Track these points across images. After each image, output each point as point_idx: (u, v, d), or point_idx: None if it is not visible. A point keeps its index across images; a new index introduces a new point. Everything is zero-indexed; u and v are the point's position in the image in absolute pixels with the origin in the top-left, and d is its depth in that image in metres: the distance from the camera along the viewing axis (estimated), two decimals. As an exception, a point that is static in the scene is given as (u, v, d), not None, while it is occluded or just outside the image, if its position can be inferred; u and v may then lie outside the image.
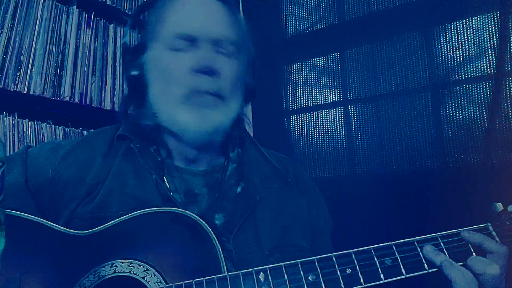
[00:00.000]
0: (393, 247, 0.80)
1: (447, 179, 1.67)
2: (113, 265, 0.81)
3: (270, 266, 0.78)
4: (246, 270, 0.78)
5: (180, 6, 0.95)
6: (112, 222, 0.85)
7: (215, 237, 0.81)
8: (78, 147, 0.98)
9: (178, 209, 0.85)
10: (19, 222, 0.83)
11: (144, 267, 0.81)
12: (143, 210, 0.85)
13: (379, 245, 0.81)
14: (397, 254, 0.79)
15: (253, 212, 0.96)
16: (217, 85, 0.91)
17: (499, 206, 0.85)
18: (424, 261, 0.79)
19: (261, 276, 0.77)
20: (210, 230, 0.82)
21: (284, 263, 0.78)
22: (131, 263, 0.81)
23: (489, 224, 0.85)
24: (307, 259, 0.79)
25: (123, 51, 0.98)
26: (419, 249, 0.80)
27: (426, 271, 0.79)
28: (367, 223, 1.79)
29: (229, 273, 0.77)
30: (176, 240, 0.83)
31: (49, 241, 0.83)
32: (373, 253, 0.79)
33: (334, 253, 0.80)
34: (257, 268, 0.78)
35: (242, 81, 1.00)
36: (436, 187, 1.66)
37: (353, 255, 0.79)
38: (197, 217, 0.83)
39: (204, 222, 0.83)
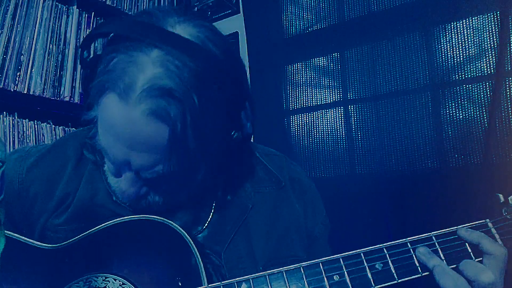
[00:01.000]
0: (384, 250, 0.76)
1: (447, 179, 1.67)
2: (87, 280, 0.76)
3: (253, 275, 0.74)
4: (228, 281, 0.73)
5: (105, 115, 0.72)
6: (86, 232, 0.79)
7: (194, 246, 0.76)
8: (46, 155, 0.90)
9: (156, 217, 0.79)
10: None
11: (120, 281, 0.76)
12: (119, 219, 0.79)
13: (369, 248, 0.76)
14: (388, 258, 0.75)
15: (245, 222, 0.88)
16: (147, 200, 0.80)
17: (501, 197, 0.81)
18: (417, 264, 0.75)
19: (243, 286, 0.73)
20: (190, 239, 0.76)
21: (268, 271, 0.74)
22: (106, 278, 0.76)
23: (488, 220, 0.80)
24: (293, 266, 0.75)
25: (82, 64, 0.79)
26: (412, 250, 0.76)
27: (419, 275, 0.75)
28: (367, 223, 1.79)
29: (210, 285, 0.73)
30: (154, 251, 0.78)
31: (23, 256, 0.79)
32: (363, 257, 0.75)
33: (320, 259, 0.75)
34: (239, 278, 0.74)
35: (182, 183, 0.81)
36: (436, 187, 1.66)
37: (341, 261, 0.75)
38: (176, 225, 0.78)
39: (183, 231, 0.77)
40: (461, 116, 1.70)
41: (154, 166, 0.72)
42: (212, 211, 0.89)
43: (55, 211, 0.85)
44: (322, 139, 2.06)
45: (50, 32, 1.75)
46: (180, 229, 0.77)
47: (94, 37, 0.77)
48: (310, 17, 2.16)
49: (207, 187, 0.85)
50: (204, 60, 0.69)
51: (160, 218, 0.79)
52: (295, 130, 2.15)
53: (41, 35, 1.71)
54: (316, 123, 2.09)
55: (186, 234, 0.77)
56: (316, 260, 0.75)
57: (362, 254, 0.76)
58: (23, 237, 0.81)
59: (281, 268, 0.74)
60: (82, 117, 0.78)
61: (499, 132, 1.60)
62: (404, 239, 0.78)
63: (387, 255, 0.75)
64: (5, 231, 0.77)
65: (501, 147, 1.59)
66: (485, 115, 1.64)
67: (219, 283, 0.73)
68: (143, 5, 2.21)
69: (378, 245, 0.77)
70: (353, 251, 0.76)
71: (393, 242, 0.77)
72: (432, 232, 0.79)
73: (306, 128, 2.11)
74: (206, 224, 0.88)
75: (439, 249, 0.77)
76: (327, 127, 2.05)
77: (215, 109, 0.72)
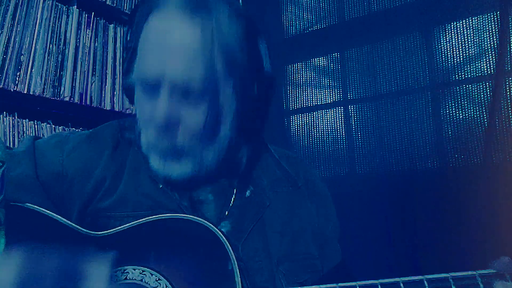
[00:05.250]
0: (425, 282, 0.71)
1: (447, 179, 1.67)
2: (125, 271, 0.77)
3: None
4: None
5: (149, 34, 0.82)
6: (127, 225, 0.81)
7: (232, 252, 0.76)
8: (85, 141, 0.95)
9: (199, 219, 0.80)
10: (35, 216, 0.80)
11: (156, 276, 0.77)
12: (159, 216, 0.80)
13: (409, 277, 0.72)
14: None
15: (262, 218, 0.91)
16: (176, 141, 0.83)
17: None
18: None
19: None
20: (229, 246, 0.77)
21: (307, 287, 0.72)
22: (143, 271, 0.77)
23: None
24: (330, 285, 0.71)
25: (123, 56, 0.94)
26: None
27: None
28: (367, 223, 1.79)
29: None
30: (191, 251, 0.78)
31: (62, 239, 0.80)
32: (402, 285, 0.71)
33: (358, 282, 0.72)
34: None
35: (226, 115, 0.86)
36: (436, 187, 1.66)
37: (378, 286, 0.70)
38: (217, 229, 0.79)
39: (223, 237, 0.78)
40: (461, 116, 1.70)
41: (187, 73, 0.78)
42: (234, 193, 0.93)
43: (93, 195, 0.89)
44: (322, 139, 2.06)
45: (50, 32, 1.74)
46: (219, 232, 0.79)
47: None
48: (310, 17, 2.16)
49: (233, 151, 0.90)
50: None
51: (200, 219, 0.80)
52: (295, 130, 2.15)
53: (41, 35, 1.71)
54: (316, 123, 2.09)
55: (226, 241, 0.78)
56: (353, 282, 0.72)
57: (401, 282, 0.72)
58: (64, 219, 0.81)
59: (318, 286, 0.72)
60: (123, 85, 0.89)
61: (499, 132, 1.60)
62: (446, 274, 0.73)
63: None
64: (48, 212, 0.80)
65: (501, 147, 1.59)
66: (485, 115, 1.64)
67: None
68: (143, 5, 2.21)
69: (419, 276, 0.73)
70: (392, 279, 0.73)
71: (434, 275, 0.73)
72: (477, 271, 0.73)
73: (306, 128, 2.11)
74: (229, 208, 0.91)
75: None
76: (327, 127, 2.05)
77: (238, 33, 0.82)
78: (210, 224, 0.79)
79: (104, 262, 0.71)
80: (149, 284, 0.77)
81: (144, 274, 0.77)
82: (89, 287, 0.67)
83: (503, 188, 1.46)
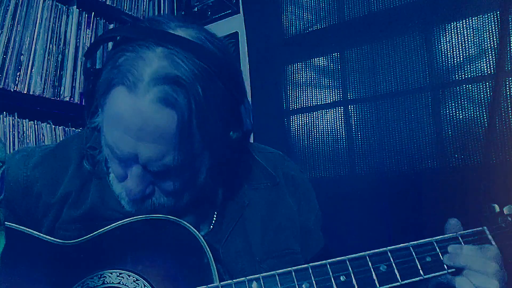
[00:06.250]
0: (388, 253, 0.78)
1: (447, 179, 1.67)
2: (102, 276, 0.78)
3: (263, 274, 0.76)
4: (239, 279, 0.75)
5: (113, 110, 0.74)
6: (100, 230, 0.81)
7: (206, 245, 0.78)
8: (50, 155, 0.93)
9: (170, 216, 0.81)
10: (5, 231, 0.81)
11: (133, 277, 0.78)
12: (133, 218, 0.81)
13: (373, 250, 0.79)
14: (392, 260, 0.77)
15: (242, 218, 0.92)
16: (147, 204, 0.81)
17: (496, 207, 0.83)
18: (419, 267, 0.77)
19: (254, 285, 0.75)
20: (201, 237, 0.79)
21: (278, 271, 0.76)
22: (120, 274, 0.78)
23: (485, 228, 0.82)
24: (302, 266, 0.77)
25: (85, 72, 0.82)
26: (414, 253, 0.78)
27: (421, 277, 0.77)
28: (367, 223, 1.79)
29: (221, 283, 0.75)
30: (166, 249, 0.80)
31: (36, 251, 0.81)
32: (368, 259, 0.77)
33: (328, 260, 0.77)
34: (250, 277, 0.76)
35: (189, 183, 0.82)
36: (436, 187, 1.66)
37: (347, 262, 0.77)
38: (188, 224, 0.80)
39: (194, 230, 0.79)
40: (461, 116, 1.70)
41: (162, 158, 0.73)
42: (215, 214, 0.92)
43: (60, 208, 0.88)
44: (322, 139, 2.06)
45: (50, 32, 1.75)
46: (193, 228, 0.79)
47: (100, 42, 0.81)
48: (310, 17, 2.16)
49: (209, 189, 0.87)
50: (206, 56, 0.73)
51: (174, 218, 0.80)
52: (295, 130, 2.15)
53: (41, 35, 1.71)
54: (316, 123, 2.09)
55: (199, 234, 0.79)
56: (324, 261, 0.77)
57: (367, 256, 0.78)
58: (37, 232, 0.82)
59: (290, 268, 0.76)
60: (86, 125, 0.81)
61: (499, 132, 1.60)
62: (406, 244, 0.80)
63: (391, 257, 0.78)
64: (17, 226, 0.80)
65: (501, 147, 1.59)
66: (485, 115, 1.64)
67: (231, 281, 0.75)
68: (143, 5, 2.21)
69: (382, 248, 0.79)
70: (359, 254, 0.78)
71: (396, 246, 0.79)
72: (433, 238, 0.81)
73: (306, 128, 2.11)
74: (211, 226, 0.91)
75: (439, 253, 0.79)
76: (327, 127, 2.05)
77: (218, 101, 0.75)
78: (181, 220, 0.80)
79: (81, 269, 0.72)
80: (127, 286, 0.77)
81: (122, 277, 0.78)
82: None
83: (502, 188, 1.46)
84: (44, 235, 0.83)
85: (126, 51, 0.72)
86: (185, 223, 0.80)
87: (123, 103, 0.71)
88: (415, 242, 0.80)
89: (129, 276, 0.78)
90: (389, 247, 0.79)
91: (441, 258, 0.79)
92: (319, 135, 2.07)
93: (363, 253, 0.78)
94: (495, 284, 0.75)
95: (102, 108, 0.76)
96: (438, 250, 0.79)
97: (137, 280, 0.77)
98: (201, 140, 0.75)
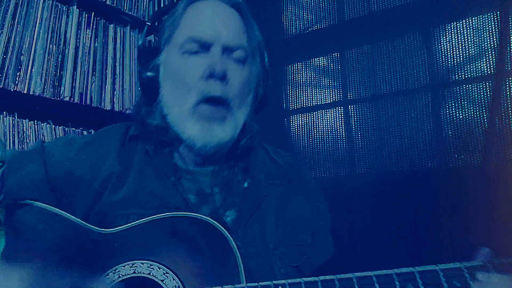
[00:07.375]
0: (416, 273, 0.77)
1: (447, 179, 1.67)
2: (134, 265, 0.82)
3: (289, 280, 0.76)
4: (266, 283, 0.76)
5: (195, 12, 1.00)
6: (135, 222, 0.86)
7: (236, 248, 0.81)
8: (91, 142, 1.01)
9: (205, 217, 0.85)
10: (44, 214, 0.84)
11: (163, 270, 0.81)
12: (165, 214, 0.85)
13: (400, 269, 0.77)
14: (419, 280, 0.76)
15: (259, 207, 0.98)
16: (227, 92, 0.95)
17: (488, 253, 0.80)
18: None
19: None
20: (233, 240, 0.82)
21: (304, 278, 0.77)
22: (151, 265, 0.81)
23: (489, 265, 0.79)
24: (328, 277, 0.77)
25: (138, 53, 1.02)
26: (442, 277, 0.77)
27: None
28: (367, 223, 1.79)
29: (248, 284, 0.77)
30: (197, 246, 0.83)
31: (72, 235, 0.85)
32: (395, 276, 0.76)
33: (354, 274, 0.77)
34: (276, 282, 0.77)
35: (251, 90, 1.05)
36: (436, 187, 1.66)
37: (373, 277, 0.76)
38: (220, 225, 0.84)
39: (226, 232, 0.83)
40: (461, 116, 1.70)
41: (238, 35, 0.98)
42: (239, 201, 1.00)
43: (100, 194, 0.93)
44: (322, 139, 2.06)
45: (50, 32, 1.74)
46: (223, 228, 0.83)
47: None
48: (310, 17, 2.16)
49: (233, 150, 1.00)
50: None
51: (209, 219, 0.85)
52: (295, 130, 2.15)
53: (41, 35, 1.71)
54: (316, 123, 2.09)
55: (229, 235, 0.83)
56: (350, 274, 0.77)
57: (394, 274, 0.77)
58: (77, 219, 0.86)
59: (316, 278, 0.77)
60: (141, 78, 0.99)
61: (499, 132, 1.60)
62: (434, 266, 0.79)
63: (418, 278, 0.77)
64: (57, 210, 0.85)
65: (501, 147, 1.59)
66: (485, 115, 1.64)
67: (257, 284, 0.77)
68: (143, 5, 2.21)
69: (409, 268, 0.78)
70: (385, 271, 0.78)
71: (423, 266, 0.78)
72: (462, 263, 0.79)
73: (306, 128, 2.11)
74: (232, 198, 0.99)
75: (468, 279, 0.77)
76: (327, 127, 2.05)
77: (260, 48, 1.09)
78: (214, 221, 0.84)
79: (115, 257, 0.77)
80: (157, 277, 0.81)
81: (152, 268, 0.81)
82: (101, 281, 0.72)
83: (503, 188, 1.46)
84: (81, 221, 0.86)
85: None
86: (217, 223, 0.84)
87: (199, 7, 0.98)
88: (443, 264, 0.79)
89: (159, 268, 0.81)
90: (416, 267, 0.78)
91: (471, 285, 0.77)
92: (319, 135, 2.07)
93: (390, 270, 0.77)
94: None
95: (174, 29, 0.99)
96: (467, 276, 0.77)
97: (166, 273, 0.81)
98: (255, 45, 1.06)
